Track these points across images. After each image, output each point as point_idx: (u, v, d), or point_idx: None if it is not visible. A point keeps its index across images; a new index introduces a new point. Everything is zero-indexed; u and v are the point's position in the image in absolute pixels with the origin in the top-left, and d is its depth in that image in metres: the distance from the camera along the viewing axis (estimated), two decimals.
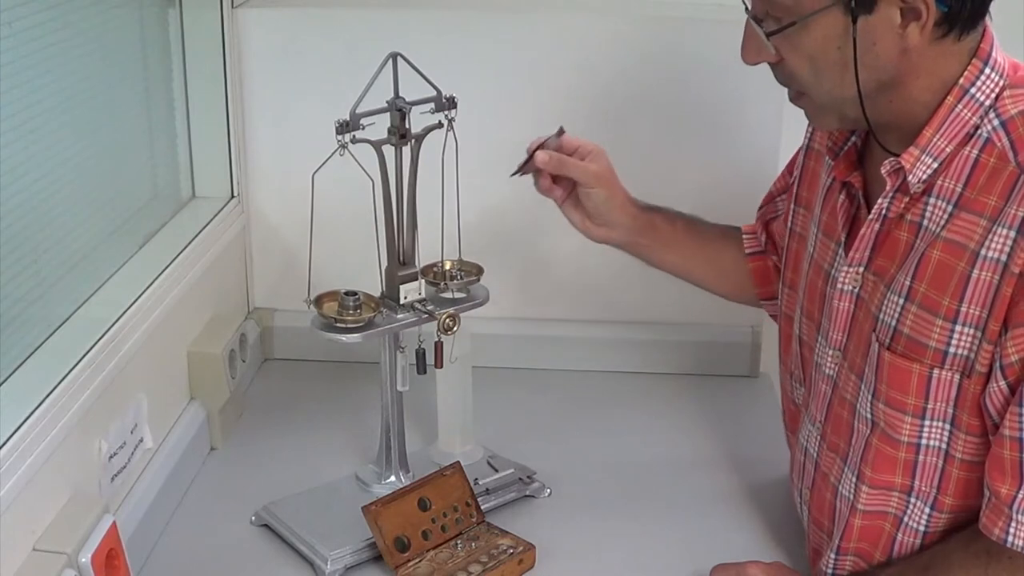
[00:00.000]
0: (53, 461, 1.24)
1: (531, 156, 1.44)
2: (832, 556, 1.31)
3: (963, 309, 1.14)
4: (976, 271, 1.13)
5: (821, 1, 1.12)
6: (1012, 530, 1.13)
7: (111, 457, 1.38)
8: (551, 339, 1.94)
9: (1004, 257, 1.11)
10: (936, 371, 1.17)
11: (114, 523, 1.27)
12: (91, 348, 1.35)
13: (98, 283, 1.53)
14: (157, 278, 1.56)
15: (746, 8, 1.21)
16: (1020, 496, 1.13)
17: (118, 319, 1.43)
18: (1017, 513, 1.13)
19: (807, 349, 1.37)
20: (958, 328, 1.15)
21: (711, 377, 1.92)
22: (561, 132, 1.46)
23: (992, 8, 1.15)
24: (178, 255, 1.64)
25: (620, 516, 1.54)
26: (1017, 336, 1.11)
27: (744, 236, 1.58)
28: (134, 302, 1.48)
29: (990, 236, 1.12)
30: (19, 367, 1.32)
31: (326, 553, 1.40)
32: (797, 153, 1.47)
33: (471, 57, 1.79)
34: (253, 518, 1.50)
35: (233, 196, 1.87)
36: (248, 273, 1.95)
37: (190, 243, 1.69)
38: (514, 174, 1.46)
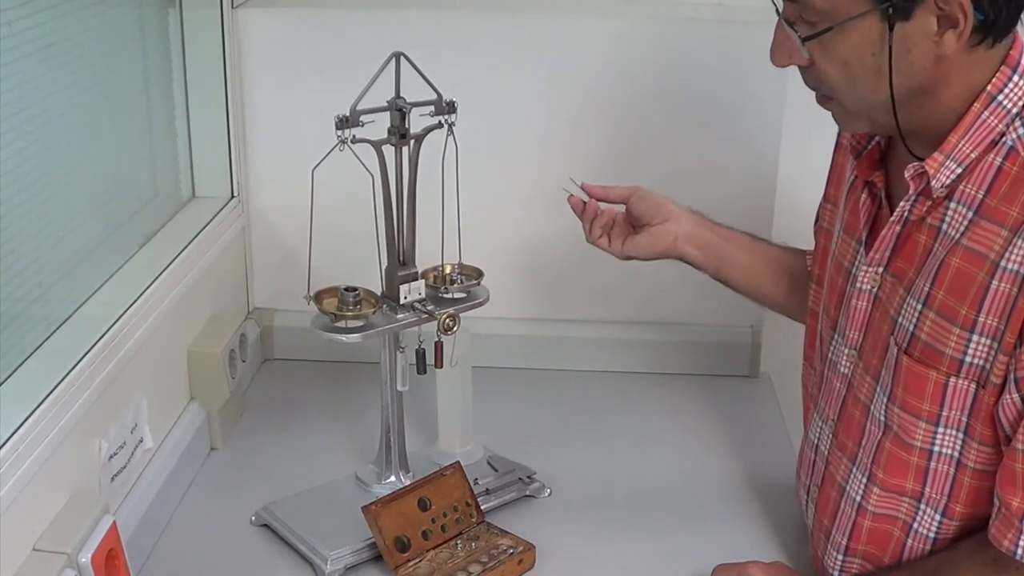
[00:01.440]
0: (53, 461, 1.23)
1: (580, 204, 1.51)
2: (840, 557, 1.31)
3: (980, 319, 1.13)
4: (995, 282, 1.12)
5: (857, 7, 1.11)
6: (1022, 542, 1.13)
7: (111, 457, 1.38)
8: (551, 339, 1.94)
9: (1023, 270, 1.10)
10: (952, 379, 1.17)
11: (114, 523, 1.27)
12: (91, 348, 1.35)
13: (98, 283, 1.53)
14: (157, 278, 1.56)
15: (777, 11, 1.19)
16: None
17: (118, 319, 1.43)
18: None
19: (826, 345, 1.37)
20: (975, 338, 1.14)
21: (711, 377, 1.91)
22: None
23: None
24: (178, 255, 1.64)
25: (620, 516, 1.54)
26: None
27: (807, 254, 1.53)
28: (134, 302, 1.48)
29: (1010, 248, 1.11)
30: (19, 367, 1.32)
31: (326, 553, 1.40)
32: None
33: (471, 57, 1.79)
34: (253, 518, 1.50)
35: (233, 196, 1.87)
36: (248, 273, 1.95)
37: (190, 243, 1.69)
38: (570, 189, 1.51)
